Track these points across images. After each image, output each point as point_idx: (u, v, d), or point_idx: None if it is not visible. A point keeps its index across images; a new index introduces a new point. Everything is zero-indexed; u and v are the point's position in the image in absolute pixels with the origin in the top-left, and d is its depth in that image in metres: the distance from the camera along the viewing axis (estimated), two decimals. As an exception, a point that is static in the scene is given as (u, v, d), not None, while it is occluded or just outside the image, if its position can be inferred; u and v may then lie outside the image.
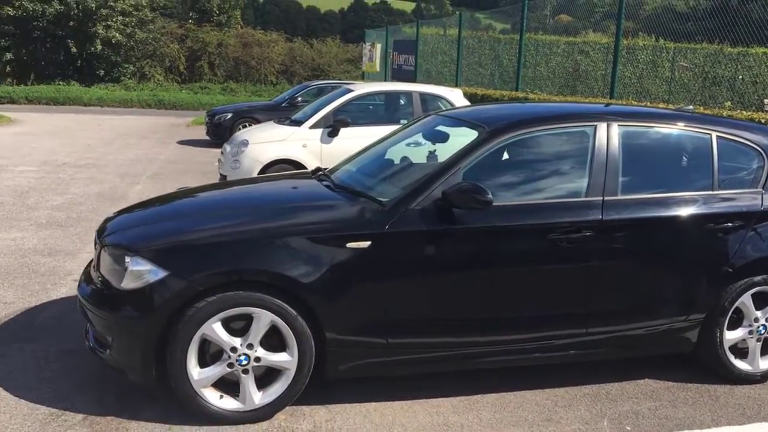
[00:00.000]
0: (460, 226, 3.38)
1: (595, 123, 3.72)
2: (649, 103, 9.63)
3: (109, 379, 3.54)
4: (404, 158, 4.43)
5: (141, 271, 3.14)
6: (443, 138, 4.27)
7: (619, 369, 3.94)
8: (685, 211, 3.66)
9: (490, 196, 3.27)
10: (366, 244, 3.25)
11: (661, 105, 9.26)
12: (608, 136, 3.68)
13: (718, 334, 3.75)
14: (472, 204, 3.29)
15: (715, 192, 3.75)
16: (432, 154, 4.41)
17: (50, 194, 8.44)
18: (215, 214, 3.66)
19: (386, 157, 4.41)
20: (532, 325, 3.53)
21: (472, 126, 3.80)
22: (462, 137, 3.77)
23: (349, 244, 3.24)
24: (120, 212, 3.98)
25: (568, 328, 3.57)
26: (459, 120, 4.07)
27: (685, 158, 3.93)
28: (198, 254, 3.18)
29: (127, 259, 3.19)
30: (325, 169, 4.40)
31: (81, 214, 7.40)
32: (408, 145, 4.54)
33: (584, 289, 3.55)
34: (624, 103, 9.17)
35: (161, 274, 3.11)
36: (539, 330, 3.54)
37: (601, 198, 3.57)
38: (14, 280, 5.10)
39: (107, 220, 3.83)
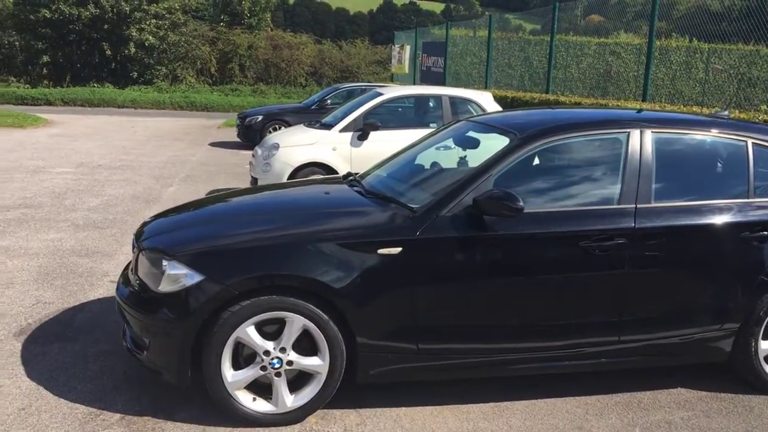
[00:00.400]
0: (491, 233, 3.39)
1: (628, 130, 3.70)
2: (682, 106, 9.50)
3: (145, 379, 3.63)
4: (435, 164, 4.46)
5: (178, 275, 3.21)
6: (474, 144, 4.28)
7: (652, 378, 3.92)
8: (719, 219, 3.62)
9: (521, 203, 3.27)
10: (397, 250, 3.28)
11: (695, 108, 9.14)
12: (641, 142, 3.66)
13: (753, 344, 3.70)
14: (503, 211, 3.30)
15: (751, 200, 3.70)
16: (462, 160, 4.43)
17: (87, 196, 8.63)
18: (249, 218, 3.73)
19: (417, 162, 4.43)
20: (563, 333, 3.53)
21: (502, 132, 3.80)
22: (493, 144, 3.78)
23: (380, 250, 3.28)
24: (157, 216, 4.06)
25: (600, 336, 3.56)
26: (490, 126, 4.08)
27: (719, 165, 3.89)
28: (233, 259, 3.24)
29: (164, 263, 3.26)
30: (356, 174, 4.44)
31: (117, 215, 7.56)
32: (438, 148, 4.56)
33: (616, 297, 3.53)
34: (657, 107, 9.07)
35: (197, 278, 3.17)
36: (570, 337, 3.54)
37: (634, 205, 3.55)
38: (53, 281, 5.23)
39: (144, 224, 3.91)
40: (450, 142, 4.51)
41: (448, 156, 4.52)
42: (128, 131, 17.04)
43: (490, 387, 3.71)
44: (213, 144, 14.99)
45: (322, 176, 7.09)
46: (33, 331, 4.27)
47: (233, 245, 3.32)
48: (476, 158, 3.90)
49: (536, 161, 3.79)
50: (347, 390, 3.43)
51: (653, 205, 3.58)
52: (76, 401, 3.42)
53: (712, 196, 3.69)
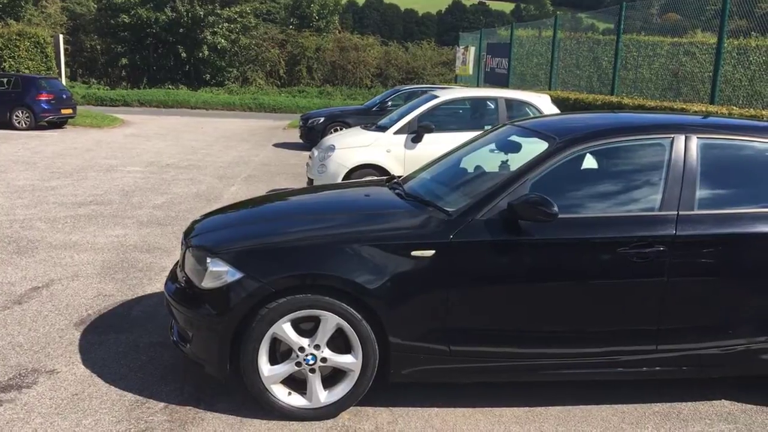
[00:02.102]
0: (526, 238, 3.39)
1: (673, 135, 3.62)
2: (752, 110, 9.12)
3: (190, 371, 3.81)
4: (478, 167, 4.47)
5: (220, 272, 3.35)
6: (516, 148, 4.27)
7: (695, 388, 3.82)
8: (766, 228, 3.50)
9: (555, 208, 3.26)
10: (430, 252, 3.33)
11: (764, 111, 8.76)
12: (686, 148, 3.58)
13: (802, 358, 3.56)
14: (537, 216, 3.30)
15: (802, 208, 3.55)
16: (504, 164, 4.43)
17: (153, 194, 9.02)
18: (290, 219, 3.86)
19: (460, 166, 4.46)
20: (597, 339, 3.49)
21: (543, 137, 3.79)
22: (534, 148, 3.77)
23: (414, 253, 3.33)
24: (207, 215, 4.24)
25: (636, 345, 3.50)
26: (531, 130, 4.07)
27: (768, 173, 3.75)
28: (272, 258, 3.37)
29: (208, 260, 3.41)
30: (400, 177, 4.51)
31: (179, 213, 7.89)
32: (492, 151, 4.57)
33: (654, 306, 3.46)
34: (724, 110, 8.74)
35: (238, 275, 3.31)
36: (605, 344, 3.49)
37: (676, 212, 3.47)
38: (115, 274, 5.53)
39: (195, 222, 4.10)
40: (493, 146, 4.51)
41: (493, 160, 4.53)
42: (198, 132, 17.67)
43: (524, 391, 3.71)
44: (277, 145, 15.37)
45: (366, 179, 7.19)
46: (92, 321, 4.53)
47: (272, 245, 3.44)
48: (518, 162, 3.89)
49: (575, 166, 3.76)
50: (381, 389, 3.51)
51: (696, 212, 3.49)
52: (125, 389, 3.63)
53: (759, 204, 3.57)
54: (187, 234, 3.87)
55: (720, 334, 3.53)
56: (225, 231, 3.80)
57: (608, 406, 3.66)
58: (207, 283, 3.39)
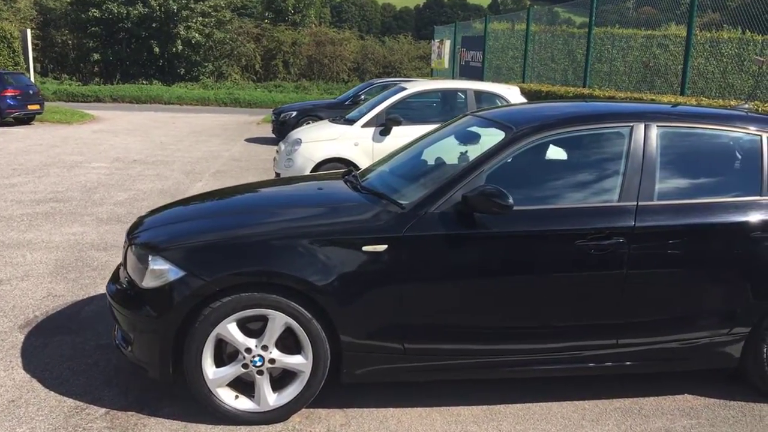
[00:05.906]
0: (481, 231, 3.28)
1: (632, 123, 3.52)
2: (721, 100, 9.12)
3: (135, 374, 3.63)
4: (438, 159, 4.35)
5: (161, 270, 3.19)
6: (475, 139, 4.16)
7: (658, 383, 3.74)
8: (728, 218, 3.42)
9: (510, 200, 3.14)
10: (382, 247, 3.20)
11: (737, 102, 8.74)
12: (645, 137, 3.48)
13: (765, 350, 3.49)
14: (492, 208, 3.18)
15: (763, 197, 3.48)
16: (464, 155, 4.31)
17: (116, 190, 8.80)
18: (236, 215, 3.69)
19: (420, 158, 4.33)
20: (556, 335, 3.38)
21: (501, 127, 3.67)
22: (492, 139, 3.65)
23: (366, 248, 3.20)
24: (152, 211, 4.06)
25: (596, 339, 3.40)
26: (490, 120, 3.95)
27: (730, 162, 3.66)
28: (214, 255, 3.21)
29: (150, 258, 3.25)
30: (358, 170, 4.36)
31: (141, 210, 7.66)
32: (452, 142, 4.44)
33: (614, 299, 3.37)
34: (693, 101, 8.72)
35: (180, 273, 3.15)
36: (564, 340, 3.39)
37: (635, 203, 3.38)
38: (67, 274, 5.33)
39: (139, 219, 3.92)
40: (453, 138, 4.39)
41: (452, 151, 4.41)
42: (169, 127, 17.38)
43: (483, 389, 3.60)
44: (249, 140, 15.15)
45: (322, 172, 7.04)
46: (38, 323, 4.34)
47: (214, 242, 3.28)
48: (477, 153, 3.78)
49: (532, 157, 3.64)
50: (336, 389, 3.38)
51: (656, 203, 3.40)
52: (66, 394, 3.45)
53: (721, 194, 3.49)
54: (131, 231, 3.70)
55: (682, 327, 3.45)
56: (168, 227, 3.62)
57: (568, 402, 3.56)
58: (148, 283, 3.22)
